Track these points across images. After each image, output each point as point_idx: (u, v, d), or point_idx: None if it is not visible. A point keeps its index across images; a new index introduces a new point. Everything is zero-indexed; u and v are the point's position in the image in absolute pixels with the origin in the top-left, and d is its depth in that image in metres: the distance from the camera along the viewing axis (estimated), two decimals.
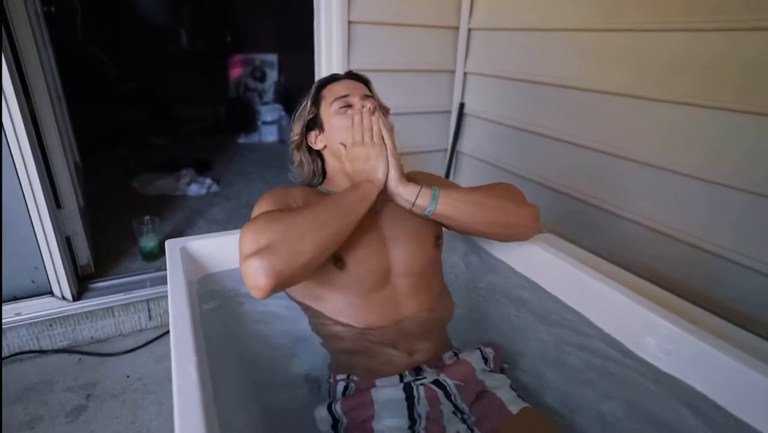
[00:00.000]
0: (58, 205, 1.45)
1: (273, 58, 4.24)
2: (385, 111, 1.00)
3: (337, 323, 0.88)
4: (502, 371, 0.88)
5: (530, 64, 1.64)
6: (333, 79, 0.99)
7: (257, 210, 0.87)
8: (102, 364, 1.47)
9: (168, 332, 1.60)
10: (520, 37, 1.67)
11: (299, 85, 4.18)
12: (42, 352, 1.48)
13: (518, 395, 0.80)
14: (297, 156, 1.00)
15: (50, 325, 1.48)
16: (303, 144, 0.99)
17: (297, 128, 0.98)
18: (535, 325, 0.99)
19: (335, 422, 0.79)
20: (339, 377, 0.86)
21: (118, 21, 3.23)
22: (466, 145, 2.01)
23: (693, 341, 0.77)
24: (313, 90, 0.98)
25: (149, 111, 3.55)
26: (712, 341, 0.76)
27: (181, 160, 2.80)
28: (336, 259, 0.86)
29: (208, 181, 2.56)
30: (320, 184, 1.03)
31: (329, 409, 0.80)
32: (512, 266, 1.13)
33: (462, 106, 1.96)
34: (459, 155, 2.05)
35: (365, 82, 1.00)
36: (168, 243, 1.01)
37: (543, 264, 1.05)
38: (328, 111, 0.94)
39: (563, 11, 1.49)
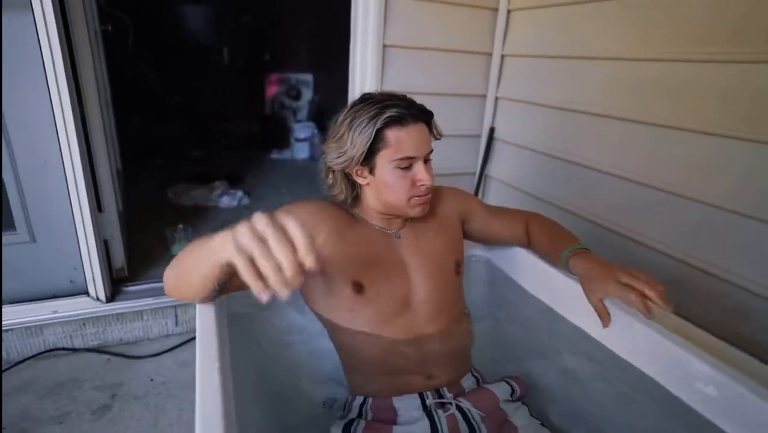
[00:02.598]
0: (100, 209, 1.52)
1: (308, 77, 4.39)
2: (437, 137, 0.92)
3: (357, 343, 0.88)
4: (522, 399, 0.87)
5: (561, 91, 1.64)
6: (401, 120, 0.82)
7: (279, 212, 0.87)
8: (129, 365, 1.51)
9: (193, 338, 1.65)
10: (552, 65, 1.68)
11: (333, 105, 4.29)
12: (74, 350, 1.54)
13: (541, 424, 0.78)
14: (331, 177, 0.91)
15: (83, 324, 1.53)
16: (342, 172, 0.89)
17: (343, 156, 0.84)
18: (558, 354, 0.97)
19: None
20: (357, 396, 0.86)
21: (166, 40, 3.42)
22: (494, 169, 2.00)
23: (733, 386, 0.73)
24: (374, 121, 0.81)
25: (188, 125, 3.71)
26: (748, 384, 0.72)
27: (215, 172, 2.90)
28: (354, 284, 0.85)
29: (240, 193, 2.64)
30: (352, 207, 0.96)
31: (345, 430, 0.80)
32: (534, 294, 1.11)
33: (492, 130, 1.97)
34: (487, 179, 2.05)
35: (429, 121, 0.88)
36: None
37: (565, 292, 1.03)
38: (385, 161, 0.83)
39: (596, 40, 1.49)
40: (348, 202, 0.93)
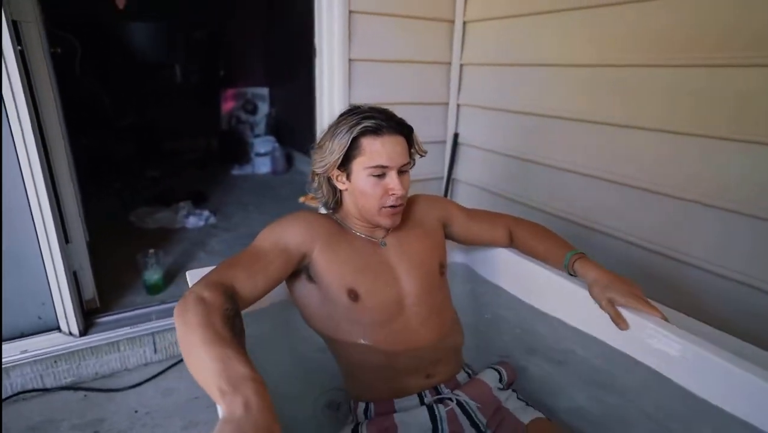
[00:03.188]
0: (66, 240, 1.46)
1: (264, 91, 4.36)
2: (422, 154, 0.98)
3: (355, 350, 0.91)
4: (511, 386, 0.93)
5: (518, 96, 1.74)
6: (378, 131, 0.87)
7: (265, 230, 0.90)
8: (109, 400, 1.45)
9: (175, 364, 1.61)
10: (509, 72, 1.78)
11: (291, 117, 4.26)
12: (46, 390, 1.46)
13: (528, 405, 0.85)
14: (316, 181, 0.98)
15: (55, 362, 1.46)
16: (325, 175, 0.95)
17: (323, 161, 0.92)
18: (539, 343, 1.04)
19: None
20: (359, 402, 0.89)
21: (116, 59, 3.30)
22: (461, 172, 2.09)
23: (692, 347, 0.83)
24: (351, 131, 0.87)
25: (143, 144, 3.59)
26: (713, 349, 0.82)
27: (177, 192, 2.83)
28: (350, 291, 0.89)
29: (206, 213, 2.58)
30: (335, 212, 1.03)
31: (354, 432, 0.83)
32: (508, 290, 1.19)
33: (456, 136, 2.05)
34: (455, 182, 2.13)
35: (407, 134, 0.93)
36: (189, 273, 1.03)
37: (544, 288, 1.11)
38: (360, 168, 0.89)
39: (547, 48, 1.60)
40: (331, 206, 1.00)
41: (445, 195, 2.13)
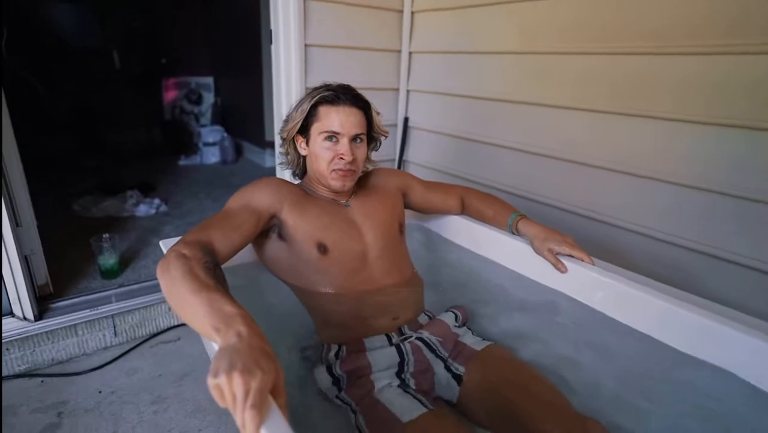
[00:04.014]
0: (17, 223, 1.42)
1: (209, 80, 4.25)
2: (383, 134, 1.12)
3: (326, 299, 1.00)
4: (465, 324, 1.07)
5: (464, 81, 1.90)
6: (334, 100, 0.99)
7: (235, 195, 0.99)
8: (69, 383, 1.44)
9: (138, 345, 1.61)
10: (454, 59, 1.93)
11: (240, 106, 4.19)
12: None
13: (481, 339, 1.00)
14: (285, 146, 1.11)
15: (7, 349, 1.42)
16: (291, 142, 1.09)
17: (288, 126, 1.06)
18: (487, 287, 1.21)
19: (335, 379, 0.91)
20: (331, 345, 0.98)
21: (45, 43, 3.09)
22: (412, 154, 2.22)
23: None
24: (312, 99, 1.01)
25: (80, 134, 3.40)
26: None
27: (121, 182, 2.74)
28: (319, 245, 0.99)
29: (156, 201, 2.53)
30: (301, 178, 1.16)
31: (329, 371, 0.92)
32: (462, 245, 1.36)
33: (407, 120, 2.18)
34: (406, 164, 2.26)
35: (365, 108, 1.04)
36: (162, 242, 1.07)
37: (490, 241, 1.28)
38: (316, 133, 1.01)
39: (490, 37, 1.76)
40: (297, 173, 1.14)
41: None
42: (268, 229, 1.01)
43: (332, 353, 0.96)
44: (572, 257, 1.10)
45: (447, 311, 1.06)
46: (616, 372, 0.93)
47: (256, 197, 0.98)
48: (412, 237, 1.35)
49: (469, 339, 1.00)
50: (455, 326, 1.02)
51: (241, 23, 3.57)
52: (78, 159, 3.25)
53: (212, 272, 0.74)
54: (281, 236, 1.01)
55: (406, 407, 0.79)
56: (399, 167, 2.24)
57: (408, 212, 1.26)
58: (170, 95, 4.24)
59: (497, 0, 1.69)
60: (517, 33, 1.67)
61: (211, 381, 0.53)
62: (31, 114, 2.90)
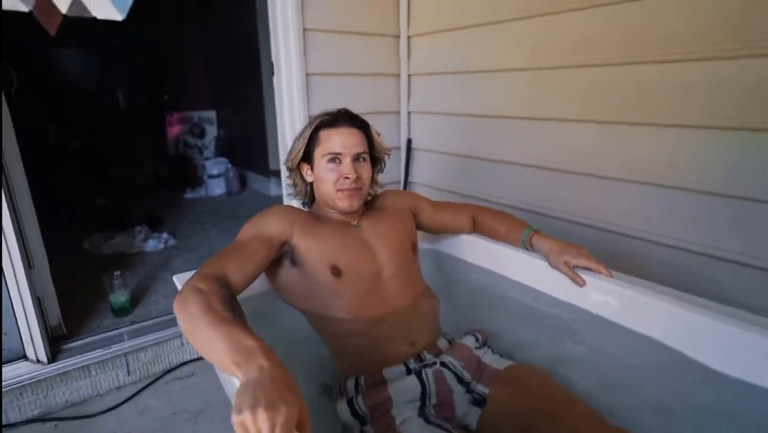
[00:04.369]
0: (30, 265, 1.42)
1: (212, 114, 4.33)
2: (386, 153, 1.13)
3: (341, 323, 0.99)
4: (486, 344, 1.05)
5: (464, 100, 1.92)
6: (332, 123, 1.02)
7: (246, 225, 0.99)
8: (83, 426, 1.42)
9: (151, 384, 1.58)
10: (453, 79, 1.96)
11: (243, 137, 4.25)
12: (11, 425, 1.40)
13: (502, 356, 0.99)
14: (291, 176, 1.12)
15: (20, 394, 1.41)
16: (296, 170, 1.10)
17: (292, 155, 1.08)
18: (505, 305, 1.19)
19: (358, 415, 0.89)
20: (348, 378, 0.97)
21: (54, 87, 3.18)
22: (417, 175, 2.23)
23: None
24: (312, 126, 1.04)
25: (89, 173, 3.45)
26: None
27: (131, 217, 2.76)
28: (333, 268, 0.98)
29: (165, 235, 2.54)
30: (310, 205, 1.16)
31: (350, 405, 0.91)
32: (475, 263, 1.34)
33: (409, 141, 2.20)
34: (411, 185, 2.26)
35: (364, 128, 1.06)
36: (176, 277, 1.07)
37: (505, 258, 1.26)
38: (319, 157, 1.03)
39: (484, 56, 1.79)
40: (306, 201, 1.14)
41: None
42: (280, 256, 1.01)
43: (351, 385, 0.94)
44: (589, 269, 1.08)
45: (466, 334, 1.04)
46: (647, 390, 0.90)
47: (267, 225, 0.98)
48: (424, 264, 1.34)
49: (489, 357, 0.98)
50: (476, 348, 1.00)
51: (240, 56, 3.66)
52: (87, 197, 3.29)
53: (230, 305, 0.73)
54: (294, 262, 1.00)
55: None
56: (405, 189, 2.25)
57: (419, 235, 1.25)
58: (174, 130, 4.32)
59: (493, 20, 1.72)
60: (515, 50, 1.69)
61: (235, 418, 0.52)
62: (41, 155, 2.95)
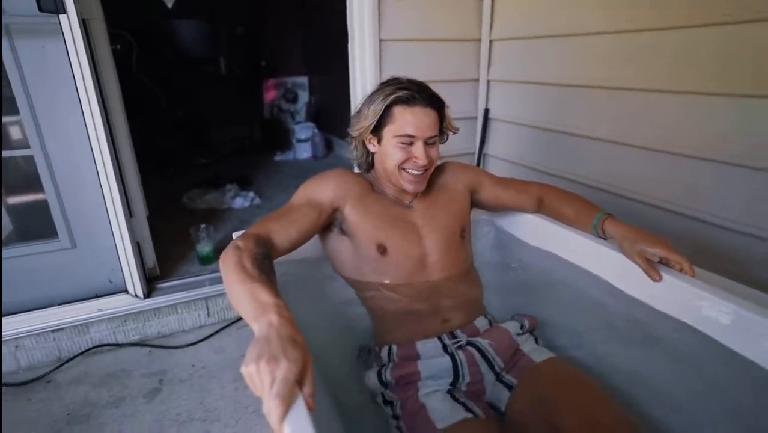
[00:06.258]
0: (131, 214, 1.64)
1: (304, 80, 4.50)
2: (453, 131, 1.08)
3: (380, 296, 1.01)
4: (531, 332, 0.99)
5: (548, 68, 1.75)
6: (409, 100, 0.94)
7: (301, 187, 1.01)
8: (169, 355, 1.64)
9: (226, 326, 1.78)
10: (538, 44, 1.79)
11: (330, 104, 4.37)
12: (118, 345, 1.67)
13: (544, 349, 0.91)
14: (353, 142, 1.07)
15: (125, 321, 1.66)
16: (360, 138, 1.05)
17: (358, 124, 1.01)
18: (560, 293, 1.10)
19: (383, 382, 0.91)
20: (383, 346, 0.98)
21: (166, 55, 3.55)
22: (492, 147, 2.12)
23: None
24: (386, 99, 0.95)
25: (191, 134, 3.84)
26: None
27: (224, 177, 3.03)
28: (379, 246, 0.99)
29: (251, 194, 2.76)
30: (367, 172, 1.13)
31: (378, 375, 0.92)
32: (535, 245, 1.25)
33: (487, 111, 2.09)
34: (486, 157, 2.17)
35: (439, 107, 0.99)
36: (235, 234, 1.16)
37: (572, 243, 1.16)
38: (390, 135, 0.97)
39: (576, 18, 1.60)
40: (364, 167, 1.10)
41: None
42: (330, 222, 1.03)
43: (384, 354, 0.96)
44: (668, 261, 0.94)
45: (512, 318, 1.00)
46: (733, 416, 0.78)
47: (320, 191, 1.00)
48: (481, 232, 1.29)
49: (529, 347, 0.93)
50: (518, 334, 0.95)
51: (330, 24, 3.72)
52: (189, 157, 3.67)
53: (259, 263, 0.77)
54: (343, 231, 1.03)
55: (446, 414, 0.77)
56: (478, 161, 2.16)
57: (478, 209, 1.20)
58: (270, 95, 4.58)
59: None
60: (605, 10, 1.49)
61: (243, 369, 0.56)
62: (153, 119, 3.34)
